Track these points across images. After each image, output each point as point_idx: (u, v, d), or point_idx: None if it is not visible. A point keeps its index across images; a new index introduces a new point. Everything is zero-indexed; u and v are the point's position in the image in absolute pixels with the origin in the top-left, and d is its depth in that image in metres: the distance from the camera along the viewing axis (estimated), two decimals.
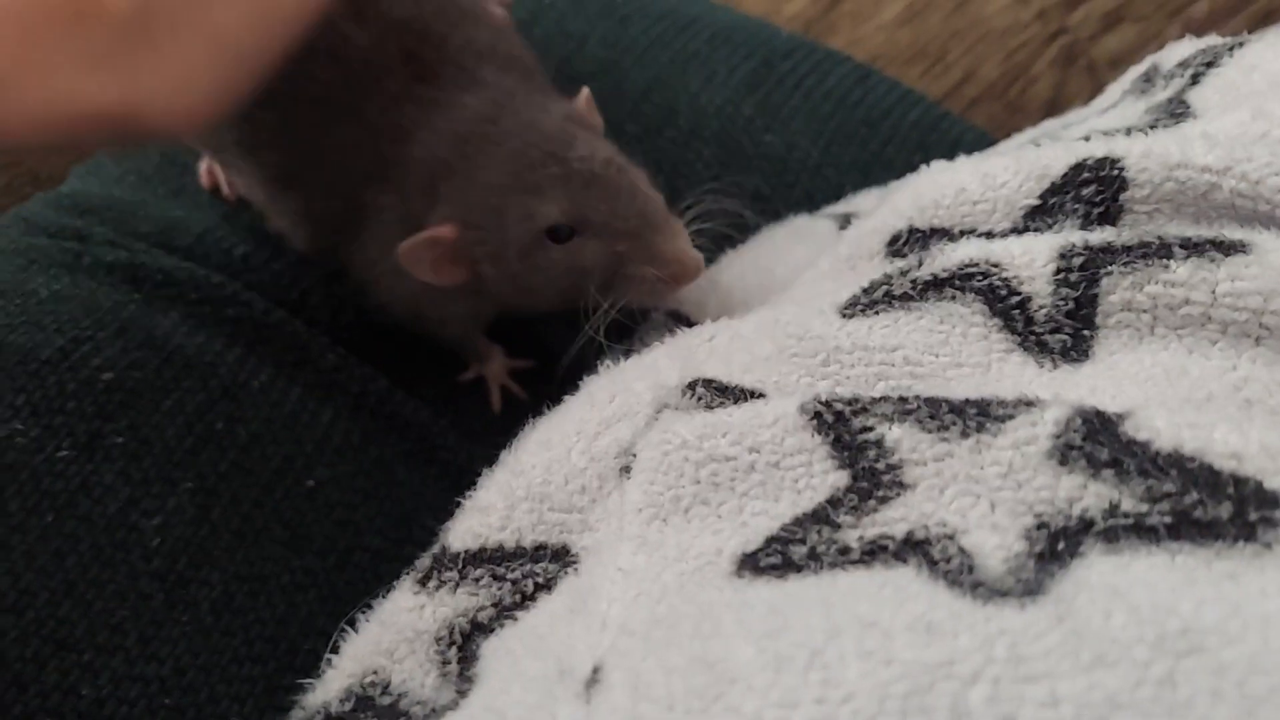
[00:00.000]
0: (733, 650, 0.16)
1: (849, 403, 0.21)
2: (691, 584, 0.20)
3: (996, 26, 0.74)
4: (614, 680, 0.17)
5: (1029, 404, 0.20)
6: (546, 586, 0.23)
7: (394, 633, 0.24)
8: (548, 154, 0.29)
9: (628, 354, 0.30)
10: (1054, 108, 0.73)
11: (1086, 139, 0.25)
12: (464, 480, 0.26)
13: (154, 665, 0.28)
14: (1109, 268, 0.22)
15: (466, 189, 0.30)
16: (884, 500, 0.20)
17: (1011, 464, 0.19)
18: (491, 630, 0.23)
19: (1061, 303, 0.22)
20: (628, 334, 0.32)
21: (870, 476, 0.20)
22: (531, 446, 0.25)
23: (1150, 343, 0.22)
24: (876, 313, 0.24)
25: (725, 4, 0.47)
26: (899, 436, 0.20)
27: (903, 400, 0.21)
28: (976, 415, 0.20)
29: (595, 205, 0.29)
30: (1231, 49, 0.27)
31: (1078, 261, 0.22)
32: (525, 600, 0.23)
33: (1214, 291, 0.21)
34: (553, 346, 0.38)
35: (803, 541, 0.19)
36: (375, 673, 0.24)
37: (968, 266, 0.23)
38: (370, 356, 0.36)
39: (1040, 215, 0.25)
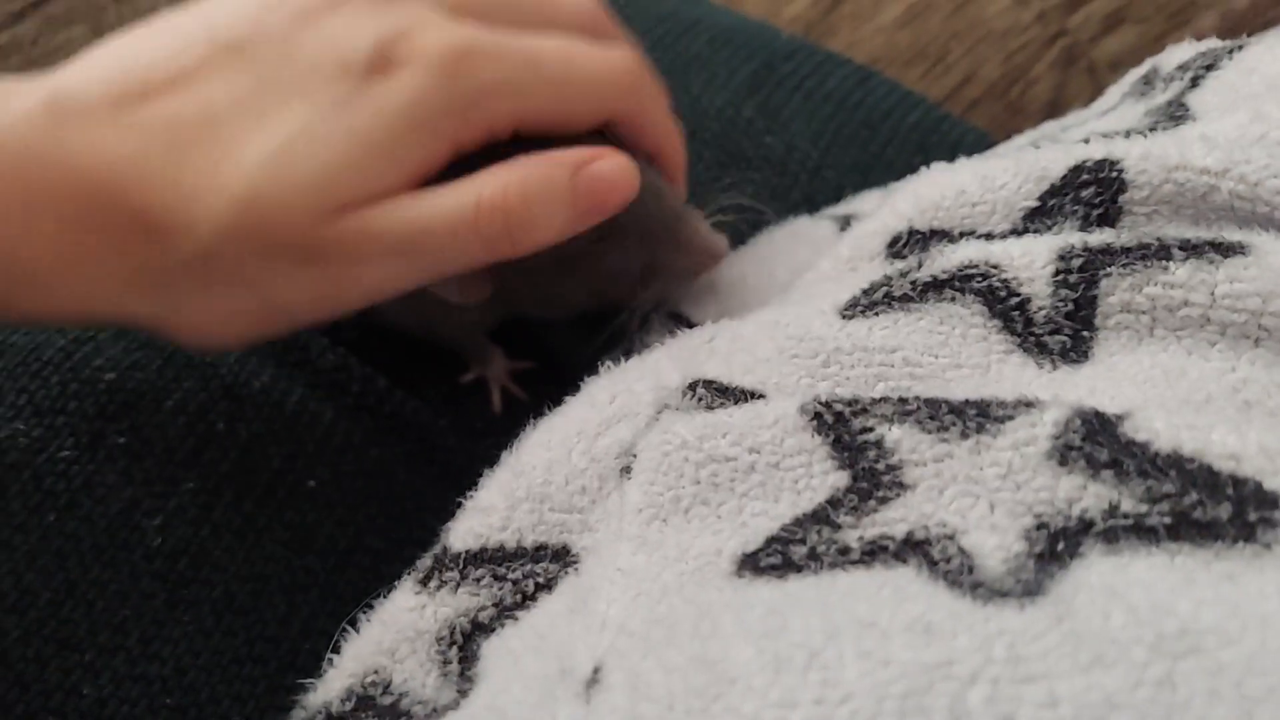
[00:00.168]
0: (732, 650, 0.16)
1: (849, 403, 0.21)
2: (691, 584, 0.20)
3: (997, 28, 0.75)
4: (614, 680, 0.17)
5: (1028, 405, 0.20)
6: (547, 586, 0.23)
7: (395, 632, 0.24)
8: None
9: (628, 355, 0.30)
10: (1054, 109, 0.73)
11: (1086, 141, 0.25)
12: (465, 480, 0.26)
13: (155, 665, 0.28)
14: (1108, 269, 0.22)
15: None
16: (884, 501, 0.20)
17: (1011, 465, 0.19)
18: (492, 630, 0.23)
19: (1061, 304, 0.23)
20: (627, 336, 0.32)
21: (870, 477, 0.20)
22: (532, 447, 0.25)
23: (1149, 344, 0.22)
24: (876, 314, 0.24)
25: (726, 6, 0.47)
26: (899, 437, 0.20)
27: (902, 401, 0.21)
28: (976, 416, 0.20)
29: (622, 210, 0.29)
30: (1231, 52, 0.27)
31: (1077, 263, 0.23)
32: (526, 600, 0.23)
33: (1213, 293, 0.21)
34: (553, 347, 0.38)
35: (803, 542, 0.19)
36: (376, 672, 0.24)
37: (967, 268, 0.23)
38: (371, 357, 0.36)
39: (1039, 217, 0.25)
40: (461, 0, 0.26)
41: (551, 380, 0.30)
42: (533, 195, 0.25)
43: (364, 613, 0.25)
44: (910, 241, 0.26)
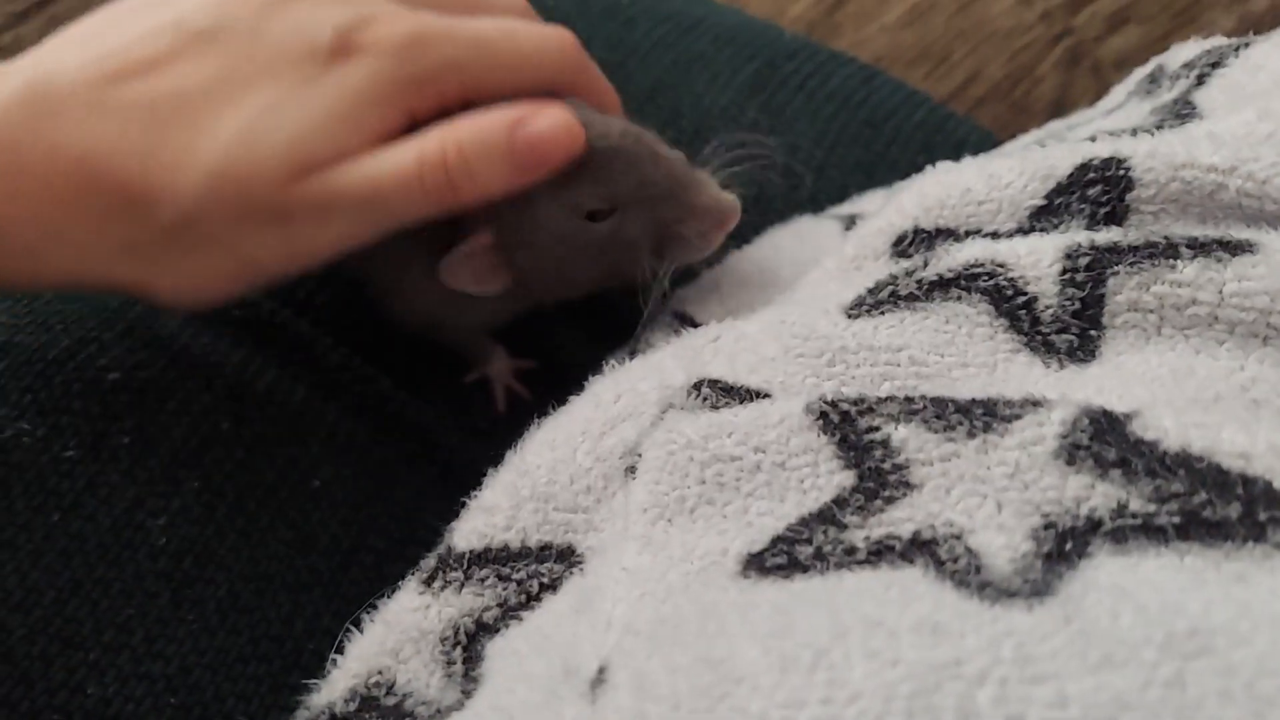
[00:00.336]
0: (738, 650, 0.16)
1: (855, 403, 0.21)
2: (697, 584, 0.20)
3: (1001, 27, 0.74)
4: (619, 680, 0.17)
5: (1036, 404, 0.20)
6: (552, 586, 0.23)
7: (399, 633, 0.24)
8: None
9: (632, 355, 0.30)
10: (1059, 109, 0.73)
11: (1092, 139, 0.25)
12: (469, 480, 0.26)
13: (160, 664, 0.28)
14: (1115, 268, 0.22)
15: None
16: (890, 500, 0.20)
17: (1018, 464, 0.19)
18: (497, 630, 0.23)
19: (1068, 303, 0.22)
20: (631, 335, 0.32)
21: (876, 476, 0.20)
22: (536, 446, 0.25)
23: (1157, 343, 0.22)
24: (882, 313, 0.24)
25: (730, 5, 0.47)
26: (905, 436, 0.20)
27: (909, 400, 0.21)
28: (983, 415, 0.20)
29: (623, 178, 0.29)
30: (1237, 49, 0.27)
31: (1084, 261, 0.22)
32: (530, 600, 0.23)
33: (1221, 291, 0.21)
34: (555, 347, 0.38)
35: (809, 541, 0.19)
36: (380, 673, 0.24)
37: (973, 266, 0.23)
38: (375, 357, 0.36)
39: (1046, 215, 0.25)
40: None
41: (555, 380, 0.30)
42: (469, 149, 0.27)
43: (368, 613, 0.25)
44: (916, 240, 0.26)
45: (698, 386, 0.24)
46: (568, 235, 0.29)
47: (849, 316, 0.24)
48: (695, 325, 0.30)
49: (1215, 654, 0.14)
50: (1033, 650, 0.15)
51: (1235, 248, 0.21)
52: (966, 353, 0.23)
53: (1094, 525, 0.18)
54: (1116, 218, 0.24)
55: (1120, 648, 0.15)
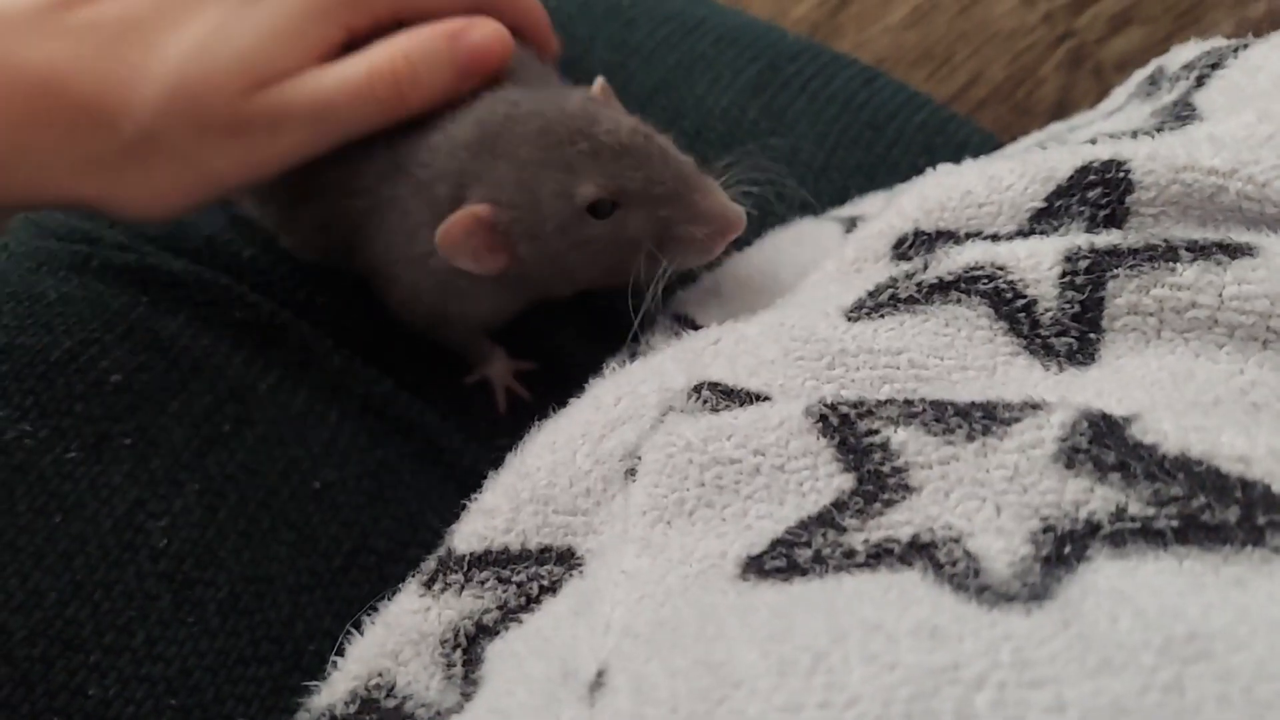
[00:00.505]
0: (737, 653, 0.16)
1: (854, 406, 0.21)
2: (695, 587, 0.20)
3: (1003, 29, 0.74)
4: (618, 683, 0.17)
5: (1035, 407, 0.20)
6: (551, 589, 0.23)
7: (399, 635, 0.24)
8: (575, 130, 0.29)
9: (632, 357, 0.30)
10: (1061, 110, 0.73)
11: (1093, 142, 0.25)
12: (469, 482, 0.26)
13: (160, 666, 0.28)
14: (1115, 271, 0.22)
15: (496, 167, 0.30)
16: (889, 503, 0.20)
17: (1017, 467, 0.19)
18: (496, 633, 0.23)
19: (1067, 306, 0.22)
20: (631, 337, 0.32)
21: (876, 479, 0.20)
22: (536, 449, 0.25)
23: (1157, 346, 0.22)
24: (882, 316, 0.24)
25: (732, 7, 0.47)
26: (904, 439, 0.20)
27: (908, 403, 0.21)
28: (982, 418, 0.20)
29: (631, 175, 0.29)
30: (1236, 51, 0.27)
31: (1084, 264, 0.22)
32: (530, 603, 0.23)
33: (1221, 294, 0.21)
34: (556, 348, 0.38)
35: (808, 544, 0.19)
36: (380, 675, 0.24)
37: (973, 269, 0.23)
38: (376, 359, 0.36)
39: (1046, 218, 0.25)
40: None
41: (556, 381, 0.30)
42: (416, 58, 0.29)
43: (368, 615, 0.25)
44: (916, 243, 0.26)
45: (698, 389, 0.24)
46: (569, 227, 0.29)
47: (849, 319, 0.24)
48: (695, 327, 0.30)
49: (1214, 658, 0.14)
50: (1031, 654, 0.15)
51: (1235, 251, 0.21)
52: (966, 356, 0.23)
53: (1093, 529, 0.18)
54: (1116, 220, 0.24)
55: (1119, 652, 0.15)
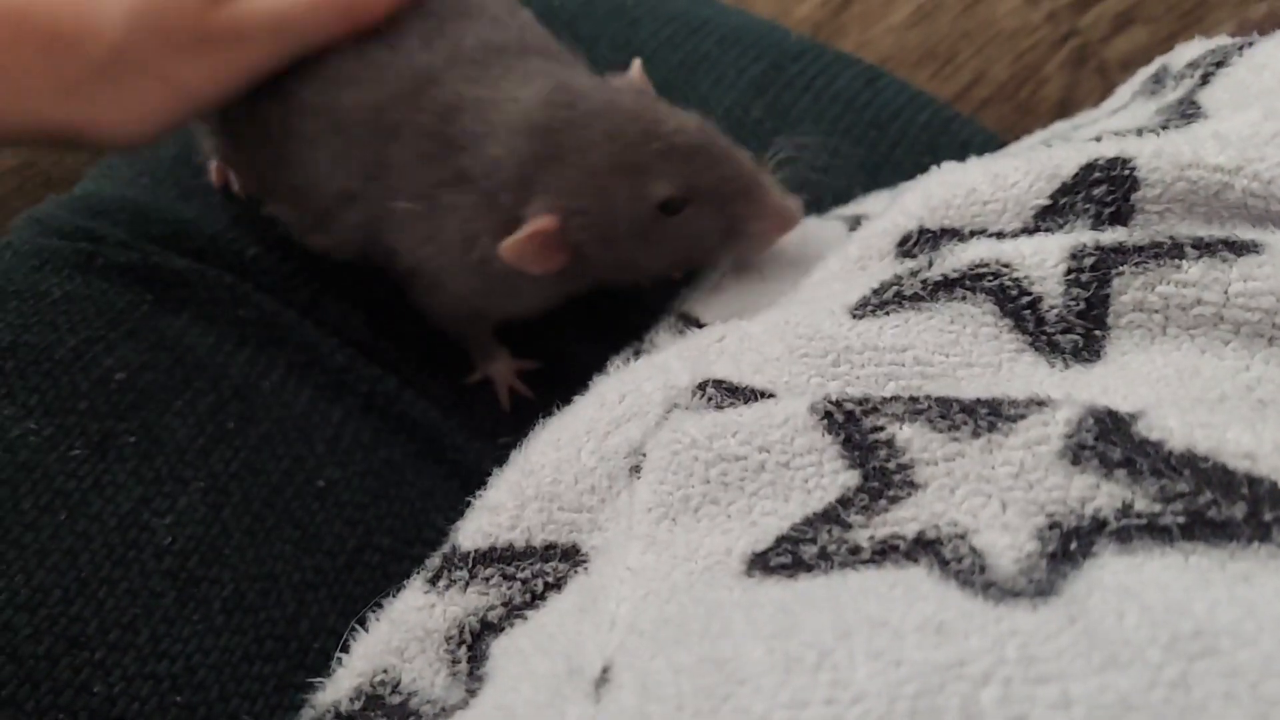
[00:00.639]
0: (742, 650, 0.16)
1: (859, 402, 0.21)
2: (701, 583, 0.20)
3: (1006, 28, 0.74)
4: (623, 680, 0.17)
5: (1040, 404, 0.19)
6: (556, 586, 0.23)
7: (404, 632, 0.24)
8: (643, 131, 0.30)
9: (637, 355, 0.30)
10: (1064, 109, 0.73)
11: (1097, 140, 0.25)
12: (474, 480, 0.26)
13: (165, 663, 0.28)
14: (1120, 268, 0.22)
15: (566, 176, 0.30)
16: (895, 500, 0.20)
17: (1023, 464, 0.19)
18: (501, 629, 0.23)
19: (1073, 303, 0.22)
20: (635, 335, 0.32)
21: (881, 476, 0.20)
22: (541, 446, 0.25)
23: (1162, 343, 0.22)
24: (887, 313, 0.24)
25: (735, 6, 0.47)
26: (910, 436, 0.20)
27: (913, 400, 0.21)
28: (988, 415, 0.20)
29: (702, 173, 0.30)
30: (1241, 48, 0.27)
31: (1089, 262, 0.22)
32: (535, 599, 0.23)
33: (1226, 291, 0.21)
34: (560, 347, 0.38)
35: (813, 541, 0.19)
36: (385, 672, 0.24)
37: (978, 267, 0.23)
38: (380, 357, 0.36)
39: (1051, 215, 0.25)
40: None
41: (560, 379, 0.30)
42: None
43: (373, 612, 0.25)
44: (920, 240, 0.26)
45: (702, 386, 0.24)
46: (641, 225, 0.30)
47: (854, 317, 0.24)
48: (700, 325, 0.30)
49: (1220, 655, 0.14)
50: (1037, 651, 0.15)
51: (1241, 248, 0.21)
52: (971, 353, 0.23)
53: (1099, 525, 0.18)
54: (1122, 218, 0.24)
55: (1125, 648, 0.15)
